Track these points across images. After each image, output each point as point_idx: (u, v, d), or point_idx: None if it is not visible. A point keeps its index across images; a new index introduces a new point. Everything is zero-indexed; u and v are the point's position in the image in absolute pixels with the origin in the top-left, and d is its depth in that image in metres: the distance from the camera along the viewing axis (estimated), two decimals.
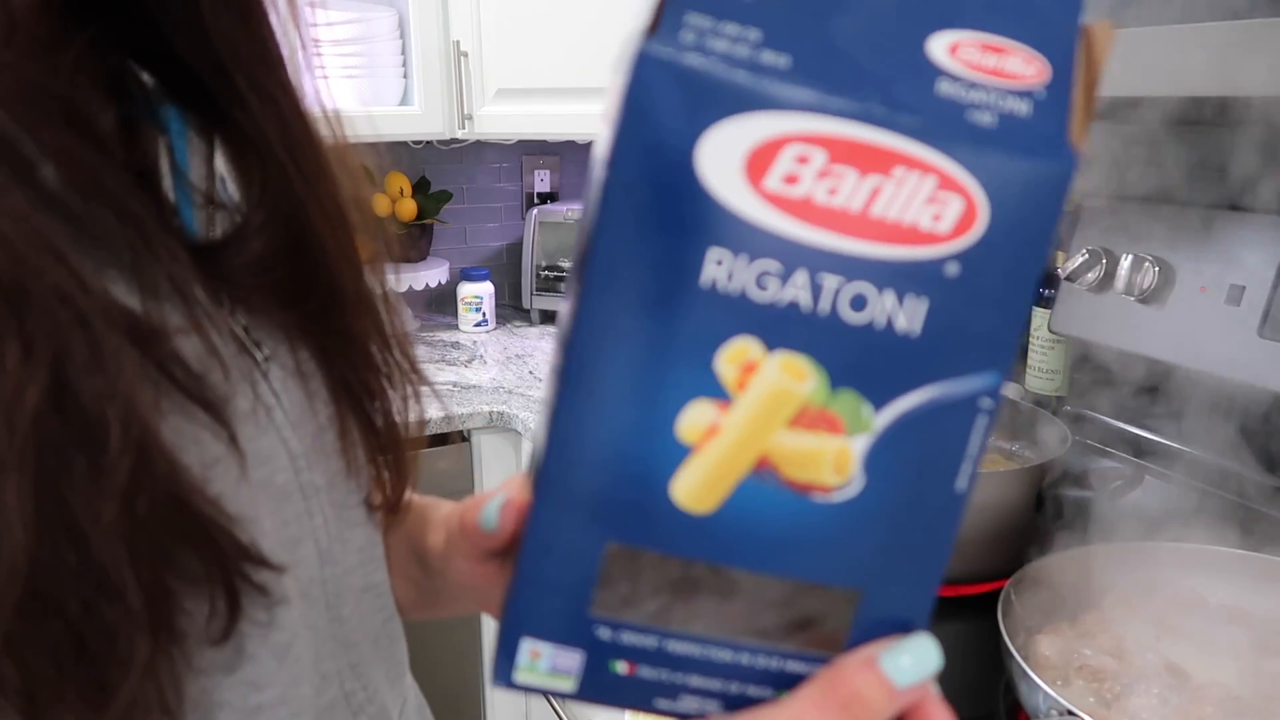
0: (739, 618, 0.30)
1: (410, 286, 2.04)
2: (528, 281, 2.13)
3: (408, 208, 2.04)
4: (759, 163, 0.26)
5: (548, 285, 2.13)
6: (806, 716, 0.30)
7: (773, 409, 0.28)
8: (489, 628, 1.72)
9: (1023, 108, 0.27)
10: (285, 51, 0.39)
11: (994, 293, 0.27)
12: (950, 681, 0.98)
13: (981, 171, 0.26)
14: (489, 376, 1.80)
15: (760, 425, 0.28)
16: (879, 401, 0.28)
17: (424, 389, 0.48)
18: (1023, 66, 0.27)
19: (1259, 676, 0.74)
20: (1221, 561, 0.86)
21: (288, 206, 0.39)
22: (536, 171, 2.31)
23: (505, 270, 2.28)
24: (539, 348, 1.99)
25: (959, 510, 0.30)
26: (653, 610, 0.30)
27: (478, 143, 2.08)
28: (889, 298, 0.27)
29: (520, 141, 2.15)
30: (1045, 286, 1.33)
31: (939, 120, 0.26)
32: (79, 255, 0.31)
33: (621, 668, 0.31)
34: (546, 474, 0.29)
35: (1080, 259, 1.20)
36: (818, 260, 0.27)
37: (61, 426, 0.28)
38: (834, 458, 0.28)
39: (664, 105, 0.25)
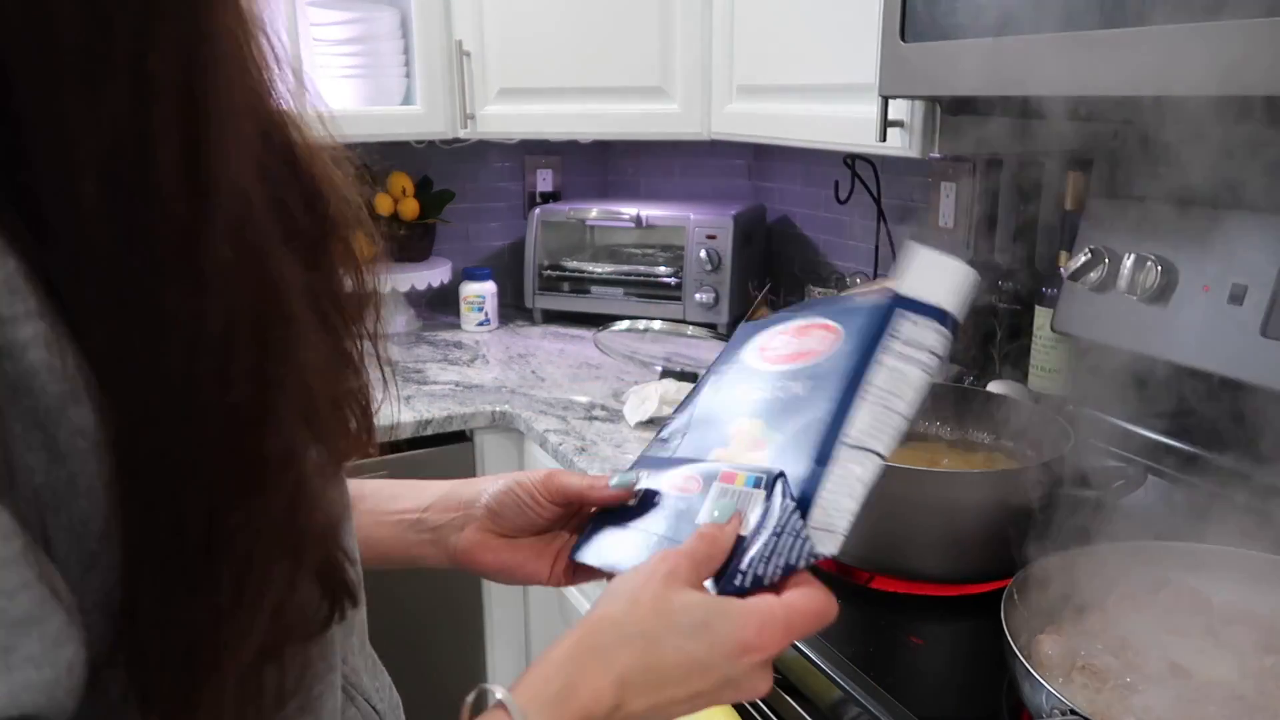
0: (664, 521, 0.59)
1: (413, 286, 2.04)
2: (530, 281, 2.13)
3: (410, 207, 2.04)
4: (764, 345, 0.65)
5: (550, 285, 2.13)
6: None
7: (746, 446, 0.58)
8: (490, 632, 1.72)
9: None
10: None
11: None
12: (953, 681, 0.98)
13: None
14: (491, 376, 1.80)
15: (738, 454, 0.59)
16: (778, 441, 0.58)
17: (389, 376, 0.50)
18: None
19: (1262, 676, 0.74)
20: (1224, 561, 0.86)
21: None
22: (539, 171, 2.31)
23: (507, 270, 2.28)
24: (541, 347, 1.99)
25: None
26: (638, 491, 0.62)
27: (480, 142, 2.08)
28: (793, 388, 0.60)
29: (522, 141, 2.15)
30: (1048, 286, 1.33)
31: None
32: None
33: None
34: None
35: (1083, 258, 1.20)
36: (777, 378, 0.61)
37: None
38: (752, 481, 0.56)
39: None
